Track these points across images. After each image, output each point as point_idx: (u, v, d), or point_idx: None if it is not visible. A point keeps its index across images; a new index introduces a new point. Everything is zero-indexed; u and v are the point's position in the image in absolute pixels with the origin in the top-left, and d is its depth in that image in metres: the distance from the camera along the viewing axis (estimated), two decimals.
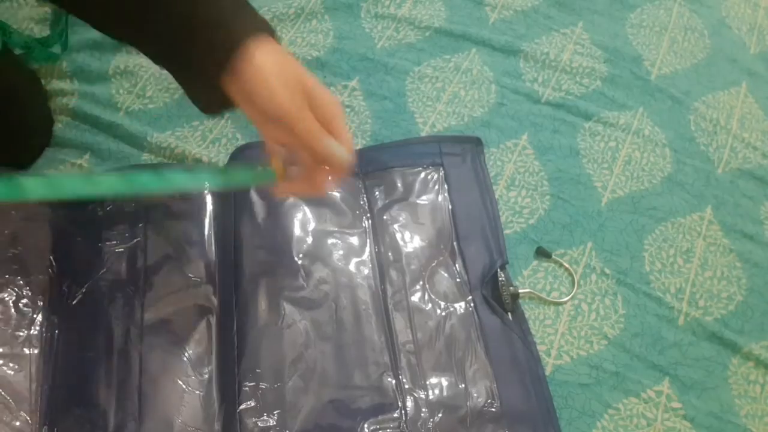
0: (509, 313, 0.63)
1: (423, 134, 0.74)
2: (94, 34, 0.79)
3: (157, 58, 0.52)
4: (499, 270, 0.65)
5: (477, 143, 0.73)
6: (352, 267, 0.64)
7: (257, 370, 0.58)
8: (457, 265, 0.65)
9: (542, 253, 0.68)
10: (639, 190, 0.72)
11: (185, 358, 0.59)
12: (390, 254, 0.65)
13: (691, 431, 0.59)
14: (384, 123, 0.74)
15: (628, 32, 0.86)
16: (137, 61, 0.77)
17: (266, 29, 0.48)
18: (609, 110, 0.78)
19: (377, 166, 0.70)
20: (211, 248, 0.64)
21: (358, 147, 0.72)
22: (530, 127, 0.76)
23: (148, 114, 0.74)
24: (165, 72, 0.78)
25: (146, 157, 0.70)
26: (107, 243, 0.63)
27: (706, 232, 0.70)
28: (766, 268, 0.69)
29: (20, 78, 0.70)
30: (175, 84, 0.74)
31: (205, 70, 0.48)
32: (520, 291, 0.65)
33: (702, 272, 0.68)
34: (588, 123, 0.77)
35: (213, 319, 0.61)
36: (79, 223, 0.64)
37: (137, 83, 0.76)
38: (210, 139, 0.72)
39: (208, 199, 0.66)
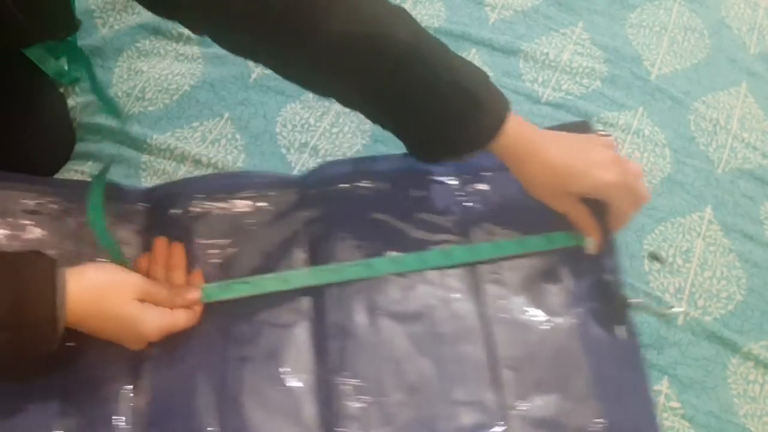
0: (619, 326, 0.60)
1: None
2: (94, 40, 0.80)
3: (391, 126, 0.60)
4: (608, 280, 0.62)
5: (584, 127, 0.68)
6: (449, 279, 0.62)
7: (358, 383, 0.57)
8: (562, 275, 0.62)
9: (655, 257, 0.65)
10: None
11: (282, 371, 0.57)
12: (487, 264, 0.62)
13: (690, 431, 0.60)
14: None
15: (628, 32, 0.86)
16: (138, 66, 0.77)
17: (508, 104, 0.57)
18: (609, 110, 0.78)
19: (466, 170, 0.66)
20: (305, 257, 0.63)
21: None
22: None
23: (148, 117, 0.74)
24: (165, 73, 0.78)
25: (146, 159, 0.70)
26: (202, 252, 0.62)
27: (706, 232, 0.70)
28: (766, 268, 0.69)
29: (44, 92, 0.70)
30: (174, 85, 0.75)
31: (457, 142, 0.57)
32: (631, 301, 0.61)
33: (701, 272, 0.68)
34: None
35: (308, 330, 0.59)
36: (172, 230, 0.63)
37: (136, 86, 0.76)
38: (210, 140, 0.72)
39: (301, 203, 0.65)
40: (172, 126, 0.73)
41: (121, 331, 0.53)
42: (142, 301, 0.53)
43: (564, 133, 0.60)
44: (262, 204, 0.64)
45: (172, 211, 0.63)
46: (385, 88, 0.55)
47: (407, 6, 0.85)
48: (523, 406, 0.56)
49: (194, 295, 0.57)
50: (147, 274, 0.57)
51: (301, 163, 0.71)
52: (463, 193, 0.66)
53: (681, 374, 0.62)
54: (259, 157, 0.71)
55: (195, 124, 0.74)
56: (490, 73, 0.79)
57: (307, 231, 0.63)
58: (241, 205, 0.64)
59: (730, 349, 0.64)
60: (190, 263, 0.61)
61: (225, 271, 0.61)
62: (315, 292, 0.61)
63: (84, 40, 0.78)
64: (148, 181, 0.69)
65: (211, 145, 0.72)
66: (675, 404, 0.61)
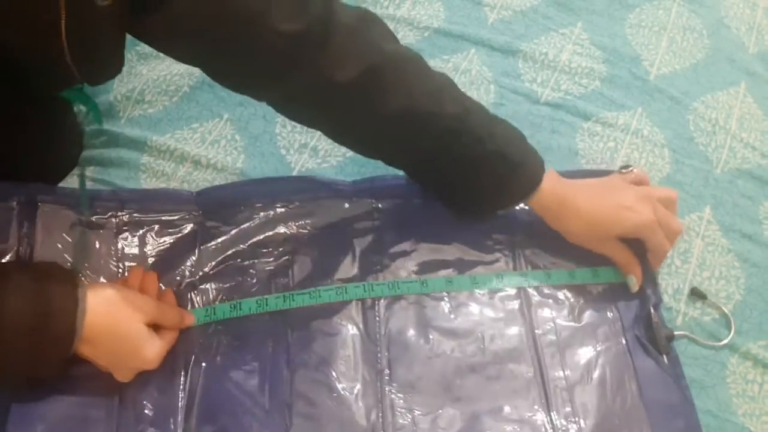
0: (664, 356, 0.61)
1: None
2: None
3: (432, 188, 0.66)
4: (652, 310, 0.63)
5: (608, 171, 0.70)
6: (499, 300, 0.63)
7: (410, 396, 0.57)
8: (609, 303, 0.64)
9: (697, 294, 0.66)
10: None
11: (333, 378, 0.58)
12: (537, 287, 0.64)
13: None
14: None
15: (627, 32, 0.86)
16: (137, 69, 0.77)
17: (542, 163, 0.62)
18: (608, 110, 0.78)
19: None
20: (356, 266, 0.64)
21: None
22: (529, 127, 0.76)
23: (147, 119, 0.74)
24: (164, 75, 0.78)
25: (146, 160, 0.70)
26: (257, 261, 0.64)
27: (705, 232, 0.71)
28: (765, 268, 0.69)
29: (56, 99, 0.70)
30: (174, 86, 0.75)
31: (495, 202, 0.64)
32: (675, 333, 0.62)
33: (700, 272, 0.68)
34: (587, 123, 0.77)
35: (358, 340, 0.60)
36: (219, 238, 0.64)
37: (135, 88, 0.76)
38: (209, 141, 0.72)
39: (351, 213, 0.67)
40: (172, 127, 0.73)
41: (126, 352, 0.54)
42: (148, 325, 0.55)
43: (591, 181, 0.65)
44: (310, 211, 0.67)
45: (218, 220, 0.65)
46: (432, 157, 0.61)
47: (406, 6, 0.85)
48: (572, 428, 0.57)
49: (191, 319, 0.60)
50: None
51: (300, 164, 0.71)
52: (512, 217, 0.68)
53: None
54: (258, 158, 0.71)
55: (195, 125, 0.74)
56: (489, 73, 0.80)
57: (359, 242, 0.65)
58: (287, 213, 0.66)
59: (729, 348, 0.64)
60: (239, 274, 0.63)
61: (275, 277, 0.63)
62: (368, 303, 0.62)
63: None
64: (147, 183, 0.69)
65: (210, 146, 0.72)
66: None
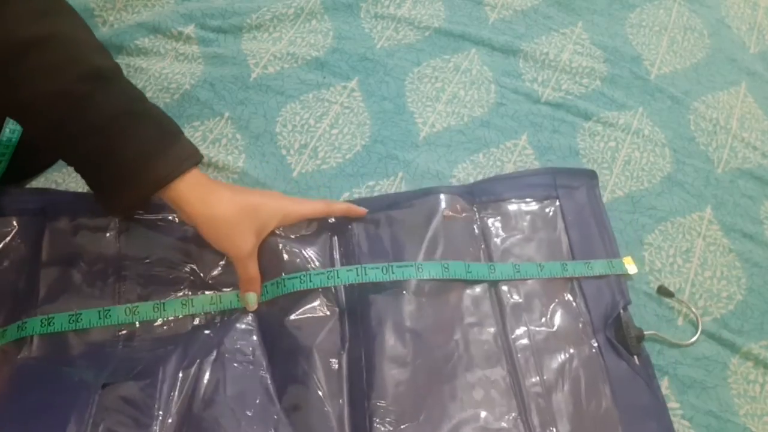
0: (635, 357, 0.61)
1: (422, 134, 0.74)
2: None
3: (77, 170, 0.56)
4: (621, 311, 0.63)
5: (592, 176, 0.71)
6: (468, 302, 0.62)
7: (387, 407, 0.56)
8: (579, 306, 0.63)
9: (664, 292, 0.65)
10: (638, 190, 0.72)
11: (319, 390, 0.57)
12: (509, 291, 0.63)
13: (690, 431, 0.60)
14: (383, 123, 0.74)
15: (628, 32, 0.86)
16: (138, 64, 0.77)
17: (191, 160, 0.55)
18: (608, 110, 0.78)
19: (491, 197, 0.68)
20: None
21: (471, 180, 0.71)
22: (530, 127, 0.76)
23: None
24: (165, 72, 0.78)
25: None
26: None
27: (706, 232, 0.70)
28: (766, 268, 0.69)
29: None
30: (174, 84, 0.75)
31: (124, 198, 0.54)
32: (645, 333, 0.62)
33: (702, 272, 0.68)
34: (587, 123, 0.77)
35: (344, 350, 0.59)
36: None
37: (136, 84, 0.75)
38: (210, 140, 0.72)
39: (322, 228, 0.65)
40: None
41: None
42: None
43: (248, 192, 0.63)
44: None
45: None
46: (73, 101, 0.51)
47: (407, 6, 0.85)
48: None
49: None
50: None
51: (301, 165, 0.71)
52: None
53: (681, 374, 0.62)
54: (259, 157, 0.71)
55: (196, 123, 0.73)
56: (489, 73, 0.80)
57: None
58: None
59: (730, 349, 0.64)
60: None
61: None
62: (347, 311, 0.61)
63: None
64: None
65: (211, 144, 0.72)
66: (674, 405, 0.61)
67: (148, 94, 0.75)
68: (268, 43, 0.79)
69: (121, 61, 0.78)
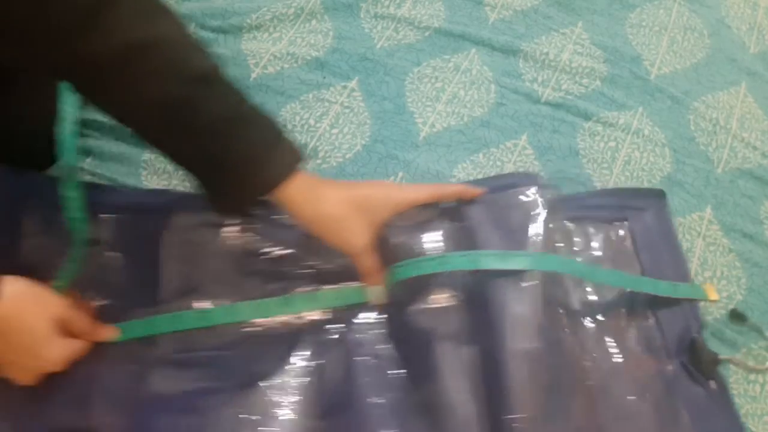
0: (711, 382, 0.60)
1: (422, 134, 0.74)
2: None
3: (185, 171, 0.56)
4: (695, 335, 0.62)
5: (661, 196, 0.69)
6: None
7: (524, 403, 0.53)
8: (653, 330, 0.62)
9: (736, 317, 0.64)
10: None
11: (448, 384, 0.55)
12: (582, 314, 0.61)
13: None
14: (383, 123, 0.74)
15: (628, 32, 0.86)
16: None
17: (297, 161, 0.54)
18: (608, 110, 0.78)
19: (557, 217, 0.65)
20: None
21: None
22: (530, 127, 0.76)
23: None
24: None
25: (147, 156, 0.70)
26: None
27: (706, 232, 0.70)
28: (766, 268, 0.69)
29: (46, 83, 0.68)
30: None
31: (235, 200, 0.55)
32: (720, 357, 0.61)
33: (702, 272, 0.68)
34: (587, 123, 0.77)
35: (471, 341, 0.56)
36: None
37: None
38: None
39: None
40: None
41: (26, 348, 0.52)
42: (58, 327, 0.53)
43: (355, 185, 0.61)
44: None
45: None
46: (179, 106, 0.51)
47: (407, 6, 0.85)
48: None
49: (111, 334, 0.57)
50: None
51: None
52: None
53: None
54: None
55: None
56: (489, 73, 0.80)
57: None
58: None
59: (730, 348, 0.64)
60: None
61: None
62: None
63: None
64: (148, 180, 0.69)
65: None
66: None
67: None
68: (268, 43, 0.79)
69: None
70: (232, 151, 0.52)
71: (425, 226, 0.61)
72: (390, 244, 0.60)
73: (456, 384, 0.54)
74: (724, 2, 0.91)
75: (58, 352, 0.53)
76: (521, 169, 0.72)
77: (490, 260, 0.56)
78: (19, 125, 0.63)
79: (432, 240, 0.60)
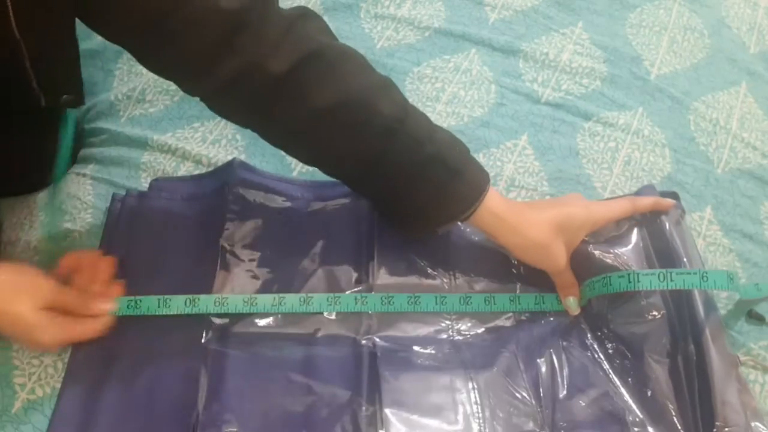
0: None
1: None
2: (94, 43, 0.80)
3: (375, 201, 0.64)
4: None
5: (674, 199, 0.68)
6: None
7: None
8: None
9: (755, 317, 0.64)
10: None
11: (660, 395, 0.58)
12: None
13: None
14: None
15: (628, 32, 0.86)
16: (138, 69, 0.77)
17: (481, 191, 0.57)
18: (608, 110, 0.78)
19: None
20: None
21: None
22: (530, 127, 0.76)
23: (148, 118, 0.74)
24: None
25: (146, 159, 0.70)
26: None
27: (706, 232, 0.70)
28: (766, 268, 0.69)
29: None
30: (174, 86, 0.75)
31: (435, 212, 0.58)
32: (741, 359, 0.60)
33: None
34: (587, 123, 0.77)
35: (677, 352, 0.59)
36: None
37: (136, 87, 0.76)
38: (210, 140, 0.72)
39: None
40: (173, 126, 0.73)
41: (19, 334, 0.54)
42: (50, 308, 0.53)
43: (540, 203, 0.65)
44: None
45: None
46: (369, 159, 0.56)
47: (407, 6, 0.85)
48: None
49: (106, 306, 0.57)
50: (67, 278, 0.58)
51: (300, 165, 0.71)
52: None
53: None
54: (259, 158, 0.71)
55: (196, 124, 0.74)
56: (489, 73, 0.80)
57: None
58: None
59: (729, 348, 0.64)
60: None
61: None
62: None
63: (85, 42, 0.78)
64: (147, 182, 0.69)
65: (211, 145, 0.72)
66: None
67: (149, 97, 0.75)
68: None
69: (122, 64, 0.79)
70: (415, 194, 0.57)
71: (618, 240, 0.63)
72: (585, 258, 0.61)
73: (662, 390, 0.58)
74: (724, 2, 0.91)
75: (51, 337, 0.54)
76: (522, 170, 0.72)
77: (688, 279, 0.57)
78: (16, 161, 0.65)
79: (624, 254, 0.62)
